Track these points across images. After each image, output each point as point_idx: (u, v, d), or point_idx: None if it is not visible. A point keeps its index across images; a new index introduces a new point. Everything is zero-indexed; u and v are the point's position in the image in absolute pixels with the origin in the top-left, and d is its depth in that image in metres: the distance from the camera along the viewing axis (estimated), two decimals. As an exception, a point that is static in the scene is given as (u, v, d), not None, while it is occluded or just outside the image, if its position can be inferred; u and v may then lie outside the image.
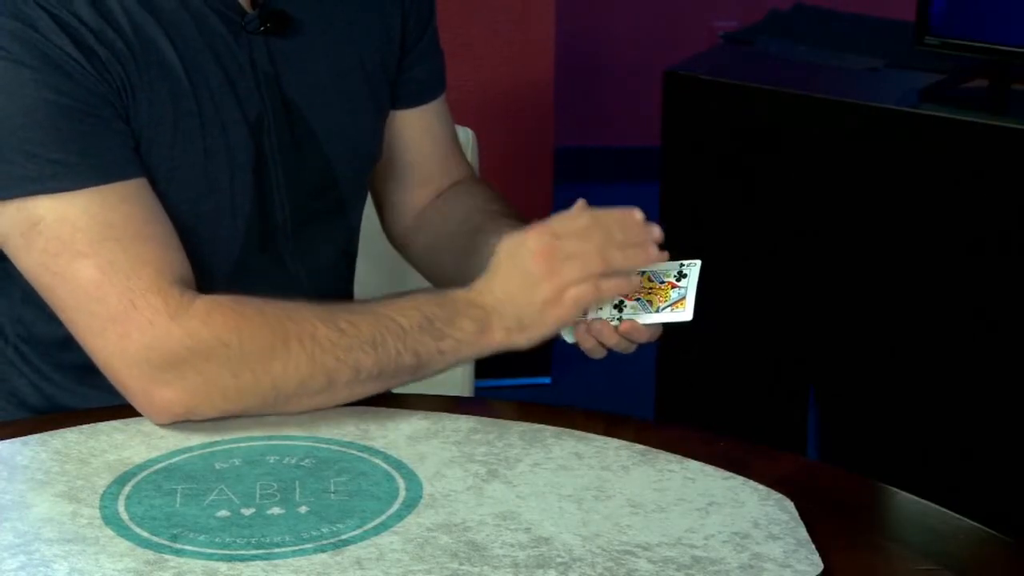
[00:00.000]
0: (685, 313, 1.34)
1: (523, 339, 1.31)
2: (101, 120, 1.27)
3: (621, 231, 1.31)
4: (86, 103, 1.26)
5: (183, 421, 1.26)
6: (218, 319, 1.24)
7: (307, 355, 1.25)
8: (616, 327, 1.33)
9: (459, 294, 1.32)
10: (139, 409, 1.26)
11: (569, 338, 1.36)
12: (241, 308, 1.26)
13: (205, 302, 1.25)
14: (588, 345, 1.35)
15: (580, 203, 1.33)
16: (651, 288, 1.34)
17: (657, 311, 1.34)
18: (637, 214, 1.32)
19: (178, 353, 1.23)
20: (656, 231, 1.32)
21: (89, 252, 1.25)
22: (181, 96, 1.32)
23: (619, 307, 1.33)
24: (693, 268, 1.34)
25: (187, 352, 1.23)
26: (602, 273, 1.30)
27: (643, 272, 1.33)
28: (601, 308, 1.33)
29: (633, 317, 1.33)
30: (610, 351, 1.36)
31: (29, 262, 1.28)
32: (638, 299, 1.33)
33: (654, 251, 1.31)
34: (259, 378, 1.25)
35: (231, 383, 1.24)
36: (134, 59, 1.29)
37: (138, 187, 1.29)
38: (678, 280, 1.34)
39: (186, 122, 1.32)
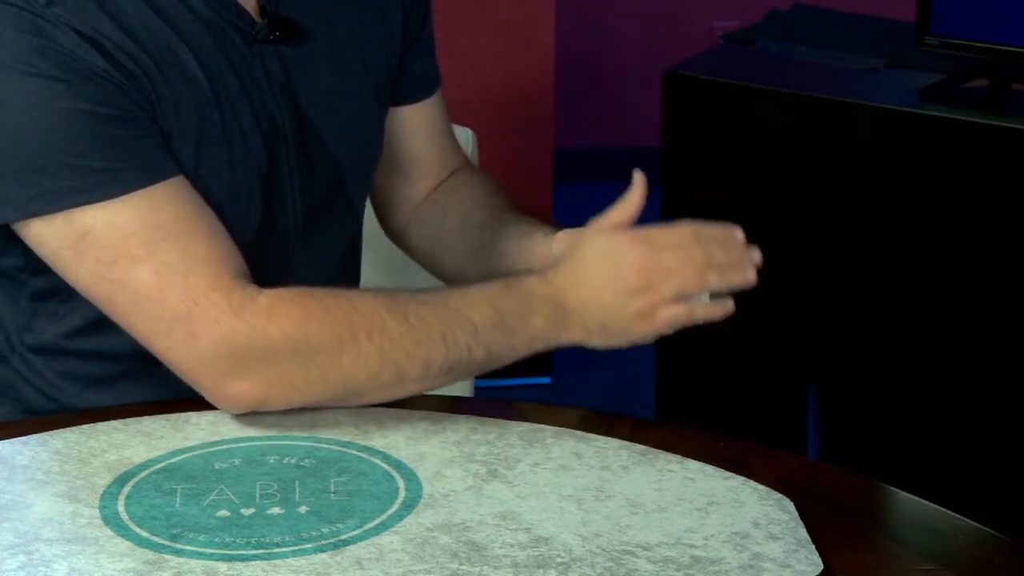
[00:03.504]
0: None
1: (602, 342, 1.30)
2: (137, 124, 1.26)
3: (722, 250, 1.29)
4: (121, 109, 1.25)
5: (257, 412, 1.26)
6: (283, 314, 1.23)
7: (376, 349, 1.24)
8: None
9: (534, 287, 1.29)
10: (212, 402, 1.26)
11: None
12: (304, 302, 1.25)
13: (268, 297, 1.24)
14: None
15: (685, 227, 1.29)
16: None
17: None
18: (738, 233, 1.30)
19: (246, 349, 1.22)
20: (756, 255, 1.30)
21: (144, 255, 1.24)
22: (205, 105, 1.32)
23: None
24: None
25: (255, 348, 1.23)
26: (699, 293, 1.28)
27: None
28: None
29: None
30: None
31: (82, 274, 1.26)
32: None
33: (752, 274, 1.29)
34: (328, 372, 1.24)
35: (301, 376, 1.24)
36: (159, 70, 1.29)
37: (181, 185, 1.28)
38: None
39: (210, 132, 1.32)
